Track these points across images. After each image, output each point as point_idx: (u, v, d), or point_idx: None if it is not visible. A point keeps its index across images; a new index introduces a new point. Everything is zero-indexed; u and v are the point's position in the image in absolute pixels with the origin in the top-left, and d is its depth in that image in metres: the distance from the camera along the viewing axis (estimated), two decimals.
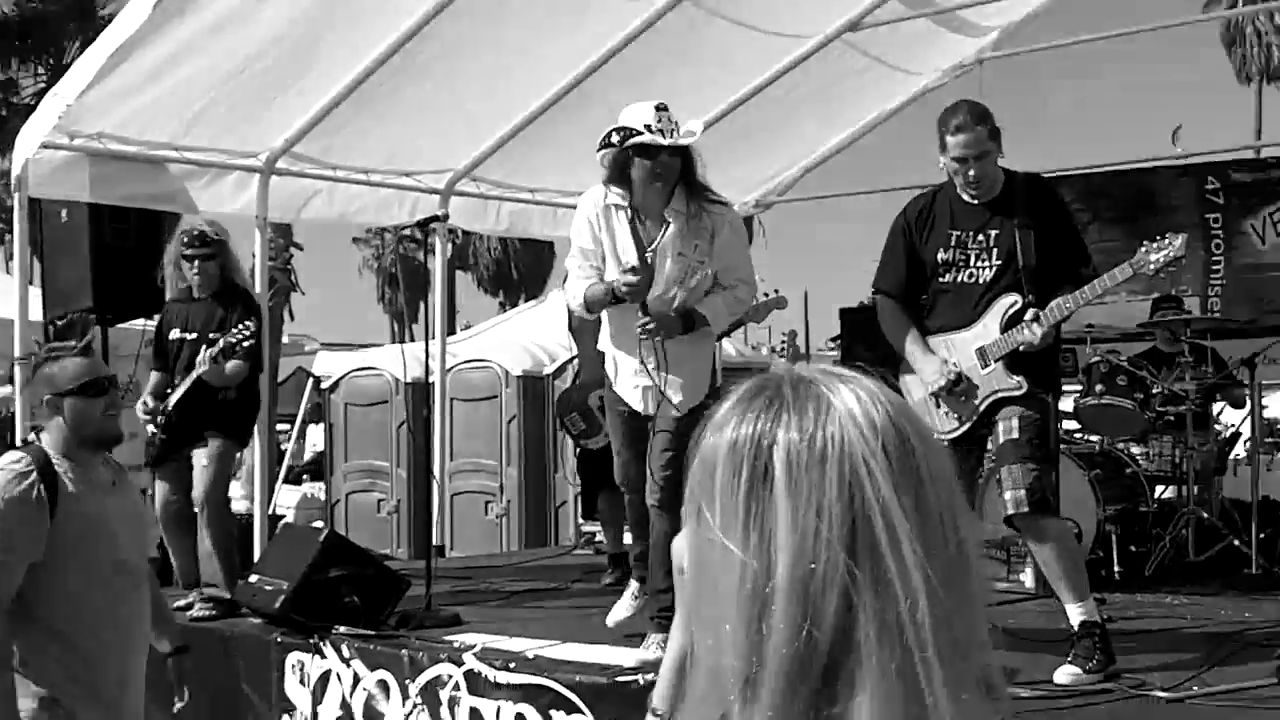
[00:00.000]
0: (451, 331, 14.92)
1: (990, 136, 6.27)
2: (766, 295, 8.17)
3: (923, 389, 6.42)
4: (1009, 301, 6.26)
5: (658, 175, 6.59)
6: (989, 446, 6.36)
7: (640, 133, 6.56)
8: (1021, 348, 6.13)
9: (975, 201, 6.39)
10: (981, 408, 6.35)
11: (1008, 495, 6.15)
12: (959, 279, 6.40)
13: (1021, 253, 6.22)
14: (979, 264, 6.34)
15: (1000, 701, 1.50)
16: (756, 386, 1.53)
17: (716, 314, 6.77)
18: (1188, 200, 12.27)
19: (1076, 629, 6.01)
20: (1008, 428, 6.24)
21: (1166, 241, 6.01)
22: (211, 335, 8.04)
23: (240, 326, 7.91)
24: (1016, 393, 6.26)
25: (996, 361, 6.28)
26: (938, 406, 6.43)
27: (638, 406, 6.81)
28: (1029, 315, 6.14)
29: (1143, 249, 6.05)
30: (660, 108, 6.64)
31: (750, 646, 1.43)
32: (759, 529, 1.44)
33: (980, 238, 6.34)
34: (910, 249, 6.51)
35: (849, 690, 1.41)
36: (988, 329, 6.31)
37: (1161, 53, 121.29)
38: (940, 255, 6.42)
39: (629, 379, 6.81)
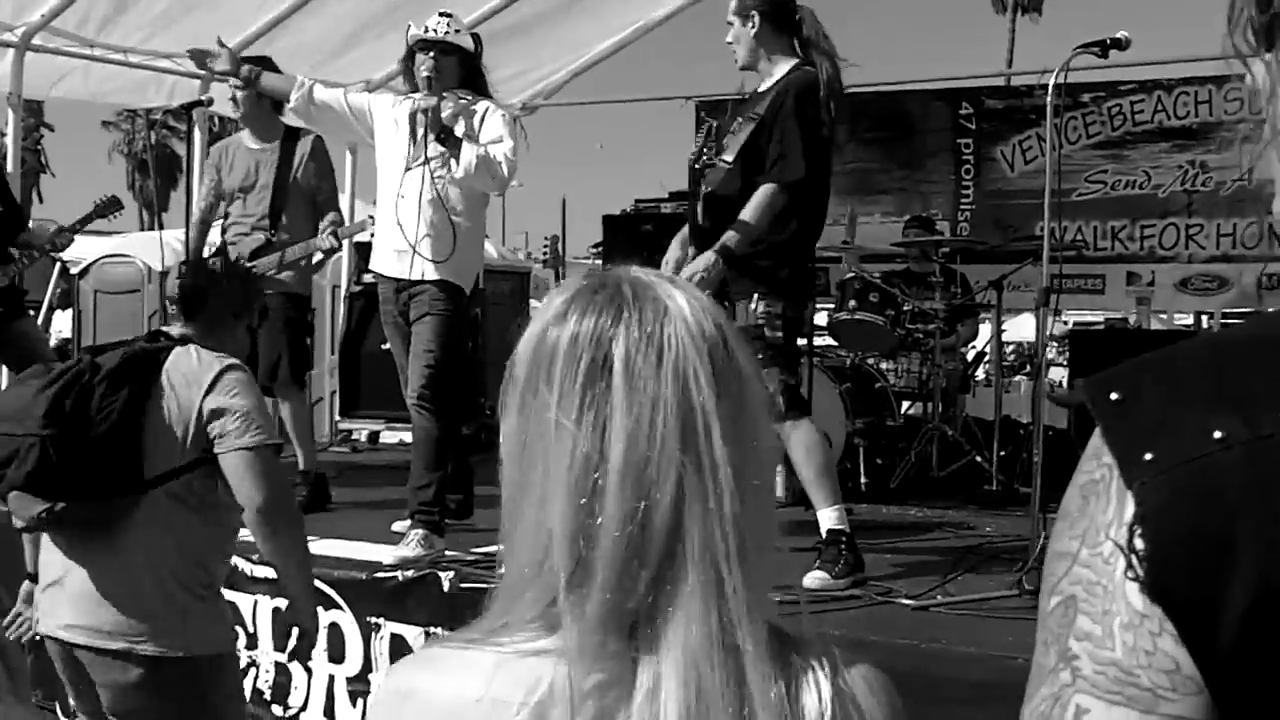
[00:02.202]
0: None
1: (736, 11, 6.32)
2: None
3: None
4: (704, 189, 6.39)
5: (431, 68, 6.95)
6: None
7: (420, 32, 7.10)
8: None
9: (758, 91, 6.43)
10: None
11: None
12: (699, 164, 6.50)
13: (741, 146, 6.24)
14: (719, 155, 6.36)
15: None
16: (596, 284, 1.61)
17: (469, 149, 6.86)
18: (941, 123, 12.54)
19: (825, 535, 6.14)
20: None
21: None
22: None
23: None
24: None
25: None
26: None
27: (394, 271, 7.07)
28: None
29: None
30: (445, 14, 7.13)
31: (580, 528, 1.50)
32: (595, 416, 1.52)
33: (732, 126, 6.38)
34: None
35: (680, 572, 1.49)
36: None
37: None
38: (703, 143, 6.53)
39: (387, 247, 7.15)
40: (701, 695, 1.46)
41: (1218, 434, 1.04)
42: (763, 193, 6.08)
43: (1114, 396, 1.11)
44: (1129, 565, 1.06)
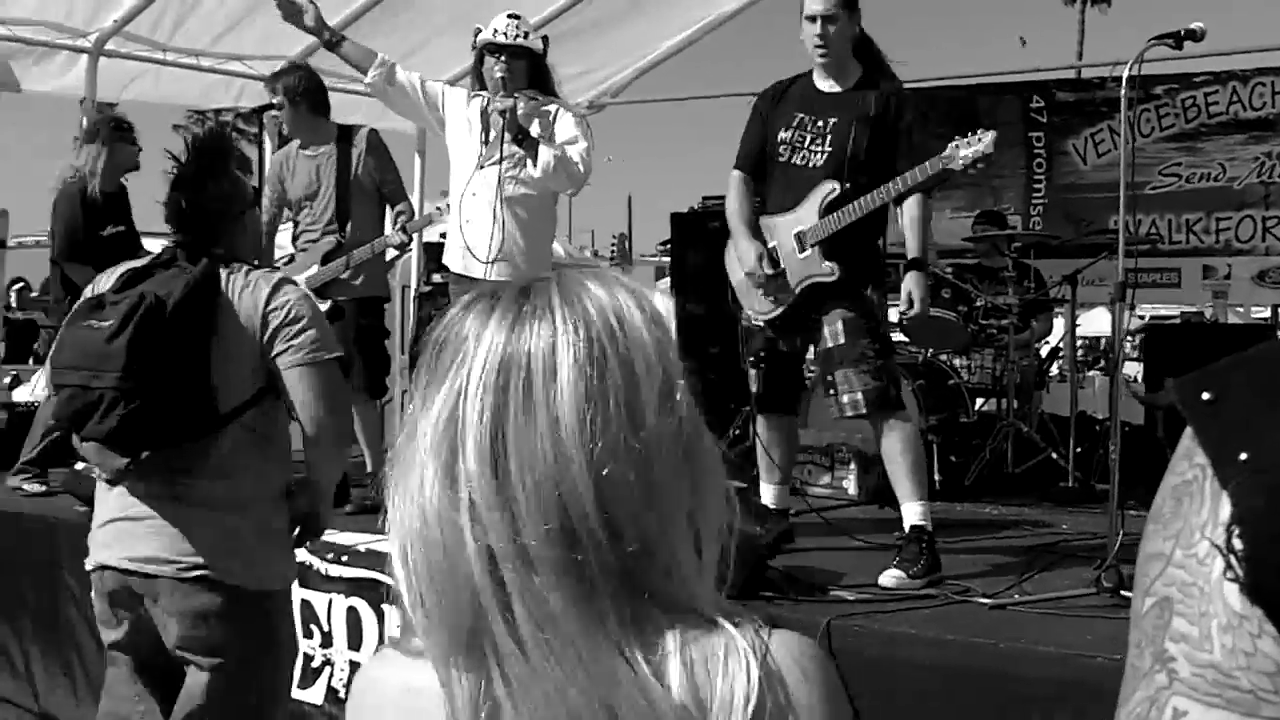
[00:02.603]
0: None
1: (843, 5, 6.30)
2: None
3: (740, 270, 6.53)
4: (828, 188, 6.31)
5: (504, 71, 7.07)
6: (821, 343, 6.40)
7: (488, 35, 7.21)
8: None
9: (827, 90, 6.44)
10: (797, 291, 6.41)
11: (845, 399, 6.24)
12: (793, 160, 6.44)
13: (852, 143, 6.27)
14: (813, 148, 6.38)
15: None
16: (492, 290, 1.65)
17: (546, 149, 7.00)
18: (1012, 117, 12.44)
19: (906, 531, 6.12)
20: (833, 332, 6.28)
21: (977, 137, 6.05)
22: None
23: None
24: (828, 279, 6.30)
25: (812, 247, 6.34)
26: (756, 287, 6.50)
27: (465, 270, 7.22)
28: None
29: (953, 144, 6.10)
30: (513, 16, 7.20)
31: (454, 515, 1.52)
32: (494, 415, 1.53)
33: (820, 124, 6.37)
34: (761, 126, 6.58)
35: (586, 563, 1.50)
36: (807, 214, 6.37)
37: None
38: (780, 134, 6.48)
39: (458, 246, 7.26)
40: (612, 685, 1.48)
41: None
42: (919, 205, 6.31)
43: (1206, 396, 1.09)
44: (1228, 566, 1.03)
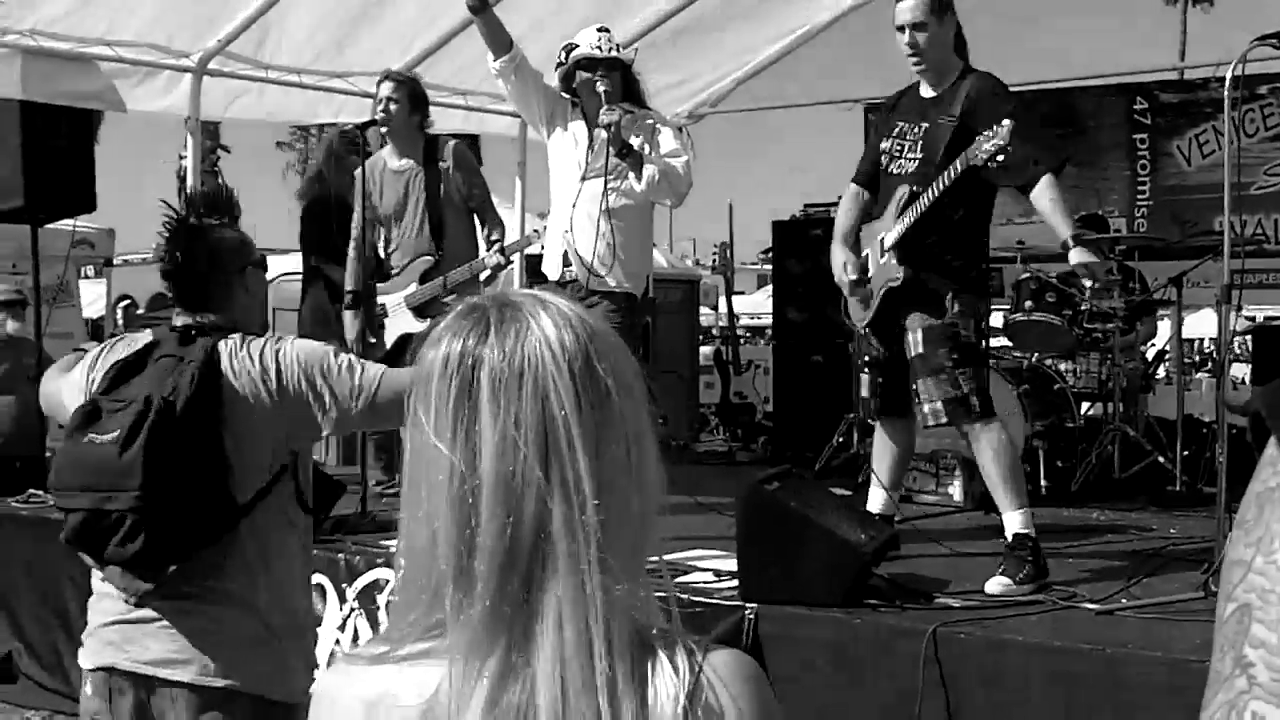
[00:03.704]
0: None
1: (932, 10, 6.24)
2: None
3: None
4: (900, 192, 6.29)
5: (594, 86, 7.17)
6: (906, 351, 6.35)
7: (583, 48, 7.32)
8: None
9: (926, 94, 6.43)
10: (880, 296, 6.42)
11: (926, 409, 6.23)
12: (891, 169, 6.45)
13: (944, 149, 6.23)
14: (907, 156, 6.38)
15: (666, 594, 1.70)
16: (468, 308, 1.73)
17: (650, 162, 7.10)
18: (1116, 119, 12.39)
19: (1010, 540, 6.09)
20: (913, 341, 6.27)
21: (994, 130, 5.97)
22: None
23: None
24: (897, 283, 6.30)
25: (889, 251, 6.34)
26: (851, 295, 6.56)
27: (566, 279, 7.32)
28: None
29: (977, 138, 6.02)
30: (602, 29, 7.31)
31: (460, 539, 1.62)
32: (466, 434, 1.64)
33: (916, 130, 6.37)
34: (876, 139, 6.61)
35: (551, 578, 1.60)
36: (889, 220, 6.36)
37: None
38: (884, 145, 6.49)
39: (559, 256, 7.38)
40: (567, 695, 1.57)
41: None
42: (1046, 191, 6.08)
43: None
44: None
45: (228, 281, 4.08)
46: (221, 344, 3.93)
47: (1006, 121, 5.84)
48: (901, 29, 6.29)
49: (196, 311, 4.02)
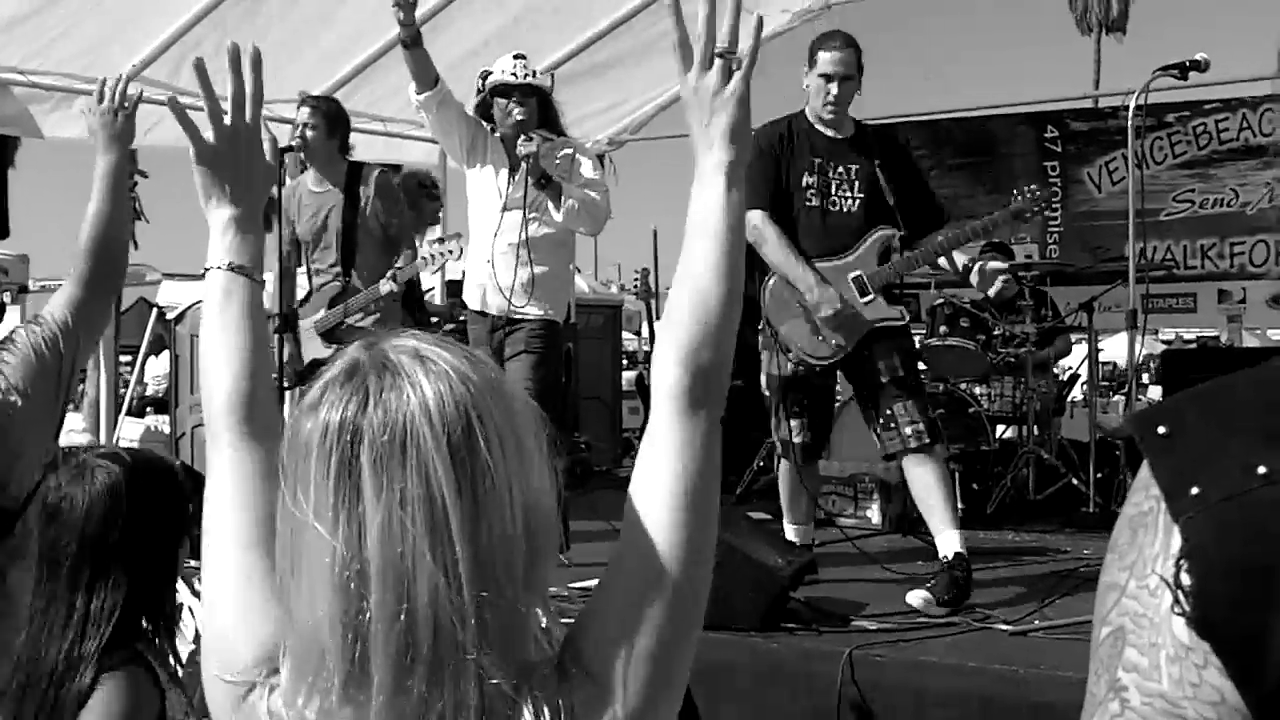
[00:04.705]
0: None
1: (858, 65, 6.48)
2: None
3: (796, 312, 6.54)
4: (887, 234, 6.44)
5: (509, 112, 7.22)
6: (876, 377, 6.48)
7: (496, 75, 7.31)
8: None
9: (834, 136, 6.56)
10: (863, 334, 6.48)
11: (908, 430, 6.32)
12: (824, 206, 6.52)
13: (886, 191, 6.39)
14: (840, 194, 6.48)
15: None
16: (345, 372, 1.65)
17: (570, 194, 7.10)
18: (1027, 147, 12.54)
19: (951, 558, 6.16)
20: (890, 366, 6.39)
21: (1034, 189, 6.23)
22: None
23: None
24: (898, 323, 6.46)
25: (877, 292, 6.44)
26: (815, 333, 6.52)
27: (488, 309, 7.36)
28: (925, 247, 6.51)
29: (1017, 196, 6.27)
30: (518, 56, 7.29)
31: (349, 627, 1.55)
32: (349, 515, 1.56)
33: (841, 170, 6.49)
34: (776, 171, 6.56)
35: (446, 663, 1.56)
36: (864, 259, 6.46)
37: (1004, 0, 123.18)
38: (806, 179, 6.54)
39: (480, 285, 7.43)
40: None
41: (1262, 469, 1.05)
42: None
43: (1161, 430, 1.13)
44: (1175, 600, 1.07)
45: None
46: None
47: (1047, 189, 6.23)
48: (830, 78, 6.41)
49: None
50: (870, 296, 6.44)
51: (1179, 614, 1.08)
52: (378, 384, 1.60)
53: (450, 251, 7.42)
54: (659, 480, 1.75)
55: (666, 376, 1.79)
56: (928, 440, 6.33)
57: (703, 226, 1.86)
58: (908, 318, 6.54)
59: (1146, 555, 1.12)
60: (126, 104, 4.27)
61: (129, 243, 4.18)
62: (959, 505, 8.55)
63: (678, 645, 1.70)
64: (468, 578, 1.55)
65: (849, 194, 6.47)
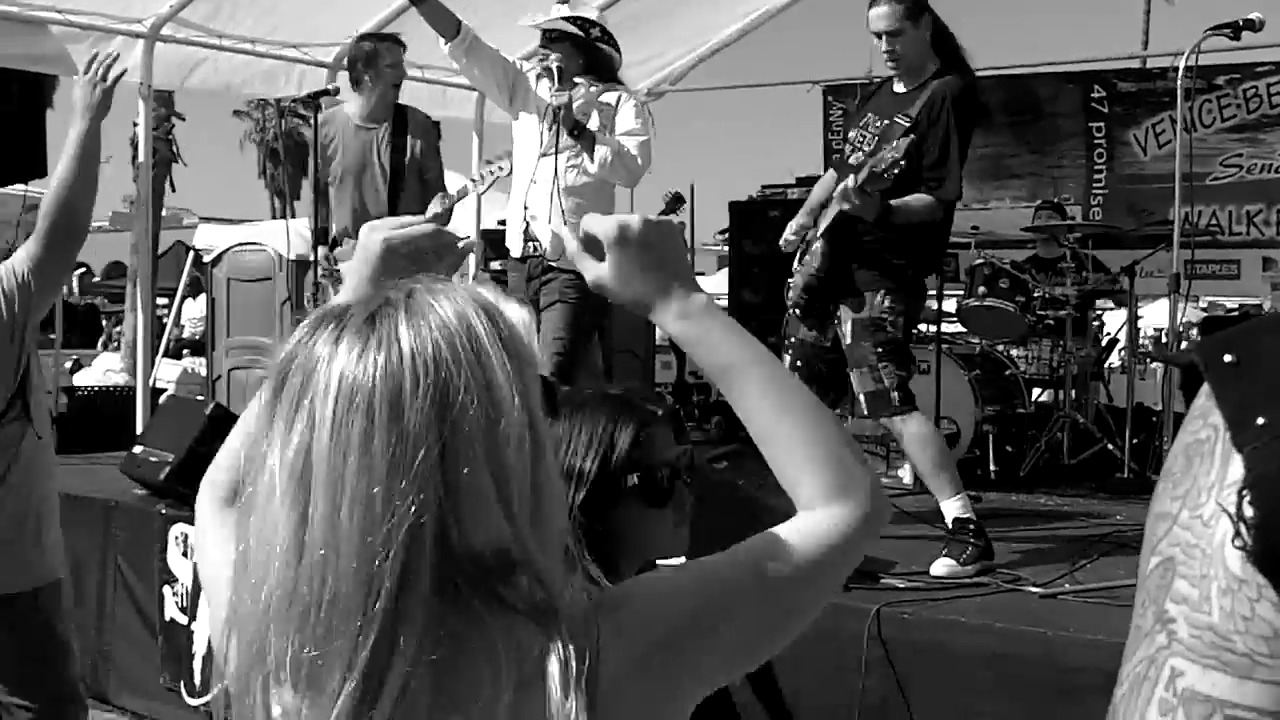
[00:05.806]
0: None
1: (906, 15, 6.24)
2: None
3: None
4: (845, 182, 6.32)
5: (557, 60, 7.05)
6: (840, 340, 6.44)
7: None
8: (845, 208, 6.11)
9: (897, 90, 6.46)
10: (804, 282, 6.47)
11: (857, 400, 6.30)
12: (850, 159, 6.45)
13: (893, 145, 6.23)
14: (864, 147, 6.40)
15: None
16: (368, 316, 1.58)
17: (604, 143, 7.02)
18: (1073, 107, 12.40)
19: (950, 525, 6.13)
20: (843, 333, 6.35)
21: (896, 144, 5.99)
22: None
23: None
24: (819, 275, 6.36)
25: (820, 238, 6.37)
26: (786, 249, 6.65)
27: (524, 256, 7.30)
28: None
29: (883, 147, 6.09)
30: (562, 2, 7.33)
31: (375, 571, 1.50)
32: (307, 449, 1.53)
33: (879, 124, 6.39)
34: (848, 126, 6.59)
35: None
36: (830, 208, 6.38)
37: None
38: (851, 134, 6.54)
39: (518, 232, 7.36)
40: None
41: None
42: (922, 203, 6.14)
43: (1228, 359, 1.10)
44: (1236, 533, 1.04)
45: None
46: None
47: (909, 137, 5.89)
48: (878, 35, 6.29)
49: None
50: (817, 243, 6.40)
51: (1239, 547, 1.04)
52: (373, 326, 1.55)
53: (501, 169, 7.37)
54: (814, 535, 1.84)
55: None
56: (865, 414, 6.36)
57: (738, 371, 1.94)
58: (825, 268, 6.37)
59: (1201, 485, 1.09)
60: (108, 80, 4.57)
61: (90, 209, 4.54)
62: (991, 468, 8.58)
63: (706, 681, 1.77)
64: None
65: (862, 146, 6.37)
